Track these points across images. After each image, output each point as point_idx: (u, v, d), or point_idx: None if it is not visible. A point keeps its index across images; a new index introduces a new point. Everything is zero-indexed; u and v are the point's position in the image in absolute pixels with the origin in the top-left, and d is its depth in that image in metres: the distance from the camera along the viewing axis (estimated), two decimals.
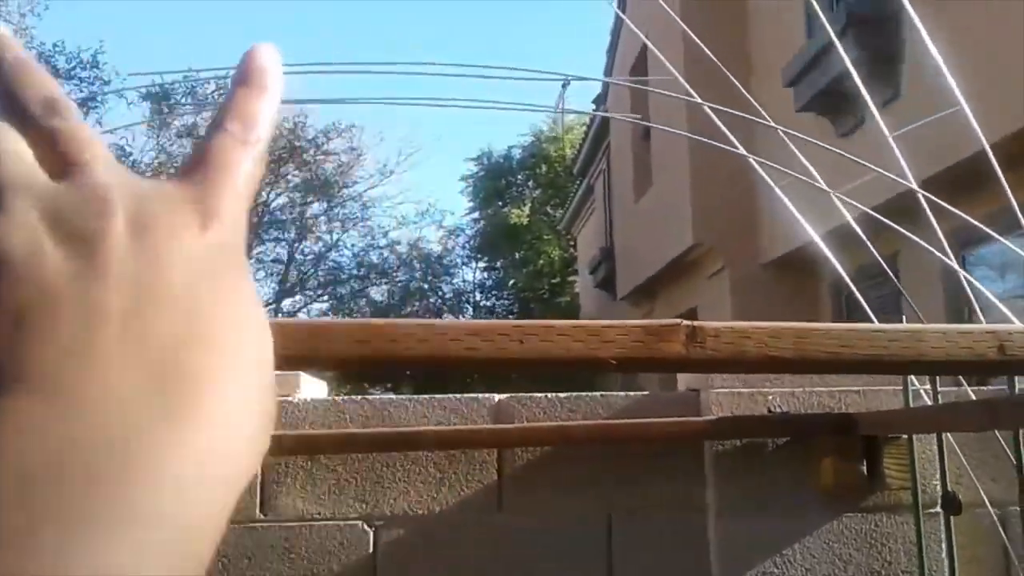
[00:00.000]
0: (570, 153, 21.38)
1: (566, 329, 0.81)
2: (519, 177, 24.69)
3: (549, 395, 1.72)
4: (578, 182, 18.34)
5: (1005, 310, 1.23)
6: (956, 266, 1.27)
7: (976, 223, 1.27)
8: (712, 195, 8.74)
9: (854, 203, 1.34)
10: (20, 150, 0.27)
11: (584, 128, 17.06)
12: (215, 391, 0.24)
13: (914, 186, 1.27)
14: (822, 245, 1.51)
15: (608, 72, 12.90)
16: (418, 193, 24.51)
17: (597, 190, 16.29)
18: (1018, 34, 4.76)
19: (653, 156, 11.28)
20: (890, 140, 1.31)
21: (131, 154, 17.31)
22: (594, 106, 14.34)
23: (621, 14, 7.93)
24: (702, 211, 8.98)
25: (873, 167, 1.26)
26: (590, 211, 17.51)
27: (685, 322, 0.81)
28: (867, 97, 1.36)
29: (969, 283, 1.27)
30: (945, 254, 1.30)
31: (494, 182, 24.17)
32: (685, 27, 2.08)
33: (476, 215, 24.48)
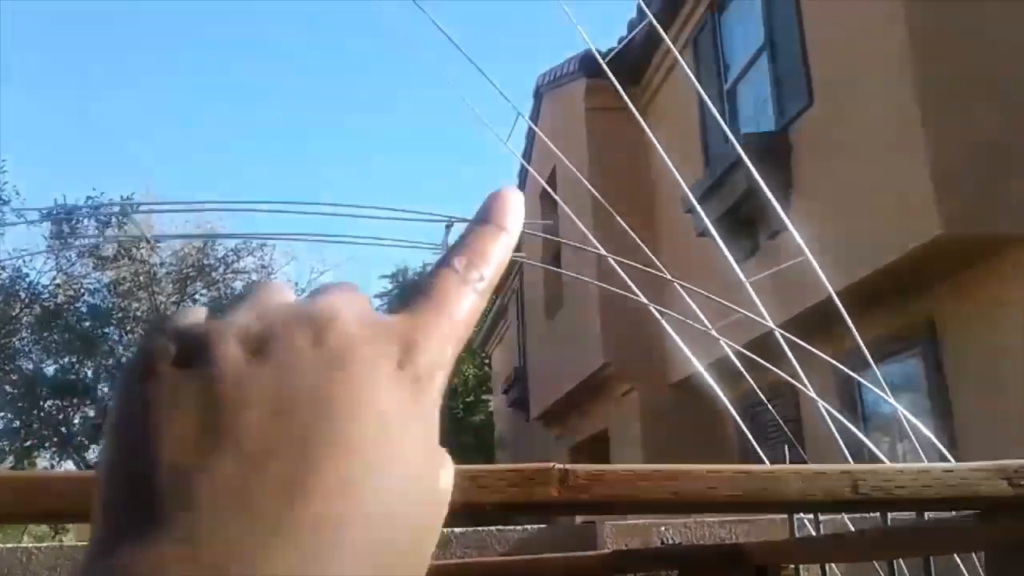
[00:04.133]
0: None
1: None
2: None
3: (444, 530, 1.70)
4: (492, 300, 18.51)
5: (860, 436, 1.29)
6: (814, 395, 1.34)
7: (827, 358, 1.35)
8: (621, 316, 8.92)
9: (731, 343, 1.40)
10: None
11: None
12: (351, 565, 0.23)
13: (773, 326, 1.34)
14: (707, 376, 1.57)
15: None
16: None
17: (510, 309, 16.47)
18: (898, 176, 5.11)
19: (563, 277, 11.51)
20: (748, 287, 1.39)
21: (28, 275, 16.78)
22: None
23: (529, 168, 8.21)
24: (611, 332, 9.13)
25: (739, 309, 1.33)
26: (504, 330, 17.63)
27: (558, 465, 0.83)
28: (727, 253, 1.44)
29: (834, 418, 1.34)
30: (804, 386, 1.37)
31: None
32: (594, 191, 2.16)
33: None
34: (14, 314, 16.34)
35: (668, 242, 8.42)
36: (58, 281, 17.22)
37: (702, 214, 1.85)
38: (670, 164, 1.93)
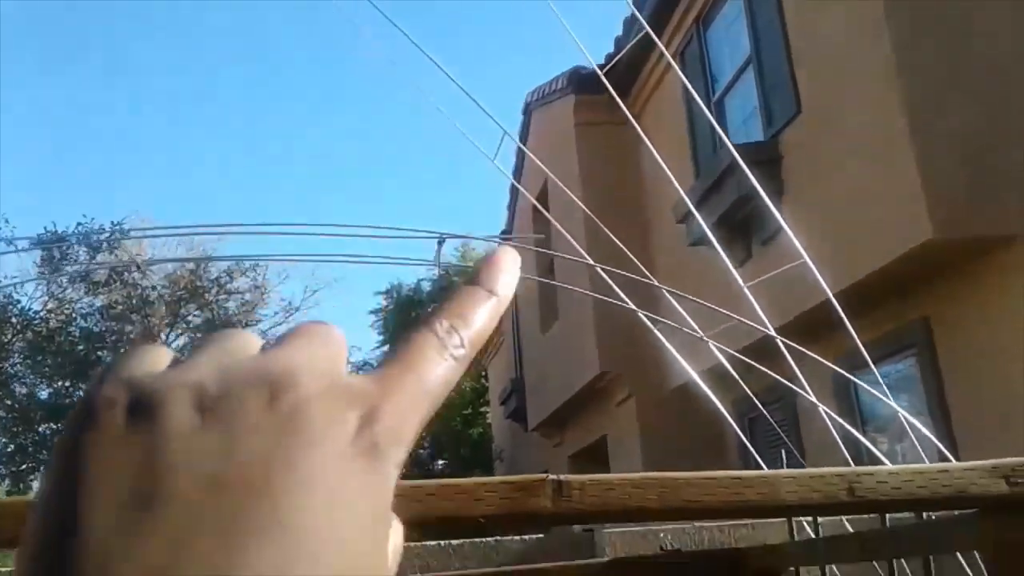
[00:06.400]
0: None
1: (434, 489, 0.81)
2: (429, 309, 24.69)
3: (442, 543, 1.69)
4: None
5: (858, 435, 1.29)
6: (812, 398, 1.33)
7: (825, 361, 1.35)
8: (616, 324, 8.92)
9: (724, 348, 1.40)
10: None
11: None
12: None
13: (771, 332, 1.34)
14: (701, 384, 1.57)
15: (511, 209, 13.27)
16: None
17: (505, 321, 16.47)
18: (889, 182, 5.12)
19: (558, 288, 11.52)
20: (746, 292, 1.39)
21: (19, 301, 16.78)
22: (497, 244, 14.63)
23: (517, 183, 8.22)
24: (607, 341, 9.13)
25: (733, 316, 1.33)
26: (499, 342, 17.62)
27: (551, 476, 0.83)
28: (724, 257, 1.44)
29: (832, 418, 1.34)
30: (803, 390, 1.36)
31: (404, 315, 24.18)
32: (587, 210, 2.16)
33: (386, 349, 24.34)
34: (6, 340, 16.33)
35: (661, 255, 8.43)
36: (50, 307, 17.22)
37: (699, 218, 1.86)
38: (666, 168, 1.93)
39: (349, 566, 0.24)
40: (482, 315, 0.31)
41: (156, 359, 0.27)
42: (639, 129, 1.87)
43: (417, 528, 0.84)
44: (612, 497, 0.84)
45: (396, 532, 0.28)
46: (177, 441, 0.24)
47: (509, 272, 0.32)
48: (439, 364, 0.28)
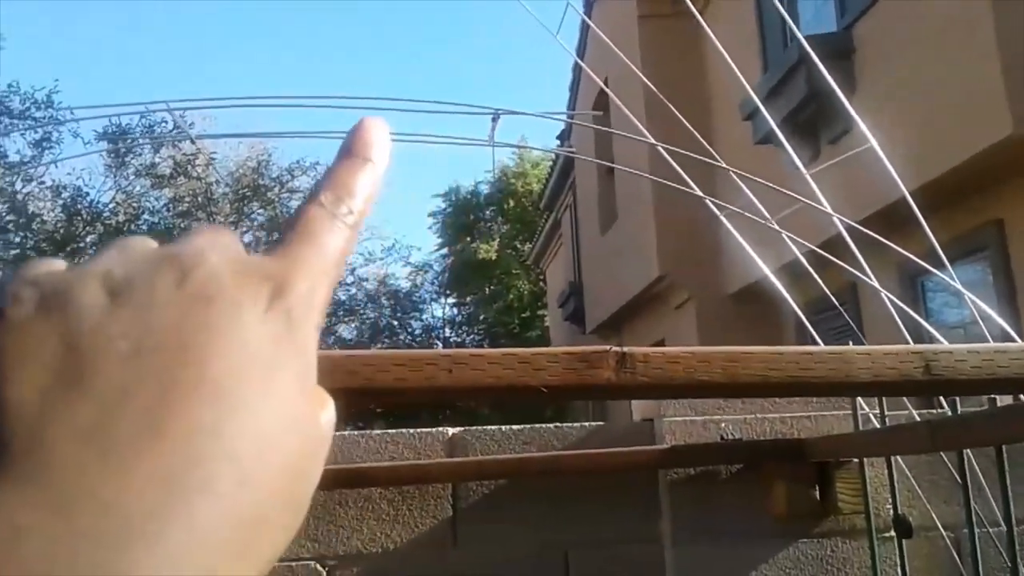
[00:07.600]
0: (537, 188, 21.54)
1: (496, 358, 0.80)
2: (487, 212, 24.84)
3: (503, 428, 1.71)
4: (545, 217, 18.44)
5: (933, 331, 1.25)
6: (885, 293, 1.29)
7: (909, 255, 1.29)
8: (676, 227, 8.82)
9: (799, 240, 1.36)
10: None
11: (550, 163, 17.17)
12: (215, 503, 0.22)
13: (837, 219, 1.29)
14: (775, 280, 1.53)
15: (571, 106, 13.03)
16: (385, 229, 24.59)
17: (564, 224, 16.39)
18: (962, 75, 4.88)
19: (617, 190, 11.39)
20: (811, 183, 1.34)
21: (88, 194, 17.22)
22: (558, 142, 14.46)
23: (580, 61, 8.02)
24: (667, 243, 9.05)
25: (808, 201, 1.28)
26: (558, 245, 17.59)
27: (615, 348, 0.81)
28: (790, 149, 1.38)
29: (897, 307, 1.29)
30: (877, 285, 1.32)
31: (462, 218, 24.28)
32: (644, 78, 2.07)
33: (444, 251, 24.54)
34: (77, 232, 16.82)
35: (724, 154, 8.17)
36: (117, 200, 17.64)
37: (766, 113, 1.78)
38: (730, 61, 1.84)
39: (287, 422, 0.25)
40: (363, 182, 0.32)
41: (57, 265, 0.28)
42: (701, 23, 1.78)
43: (479, 396, 0.84)
44: (676, 370, 0.82)
45: (328, 405, 0.28)
46: (91, 322, 0.24)
47: (379, 139, 0.33)
48: (332, 233, 0.30)
